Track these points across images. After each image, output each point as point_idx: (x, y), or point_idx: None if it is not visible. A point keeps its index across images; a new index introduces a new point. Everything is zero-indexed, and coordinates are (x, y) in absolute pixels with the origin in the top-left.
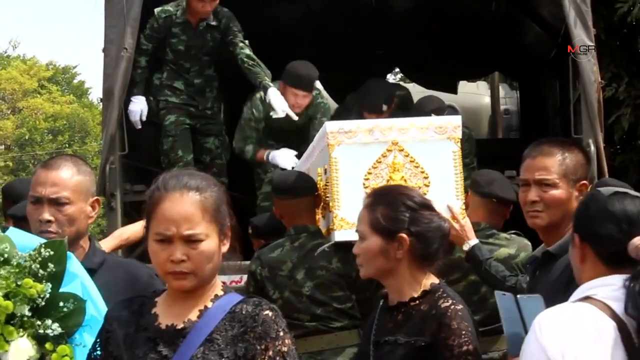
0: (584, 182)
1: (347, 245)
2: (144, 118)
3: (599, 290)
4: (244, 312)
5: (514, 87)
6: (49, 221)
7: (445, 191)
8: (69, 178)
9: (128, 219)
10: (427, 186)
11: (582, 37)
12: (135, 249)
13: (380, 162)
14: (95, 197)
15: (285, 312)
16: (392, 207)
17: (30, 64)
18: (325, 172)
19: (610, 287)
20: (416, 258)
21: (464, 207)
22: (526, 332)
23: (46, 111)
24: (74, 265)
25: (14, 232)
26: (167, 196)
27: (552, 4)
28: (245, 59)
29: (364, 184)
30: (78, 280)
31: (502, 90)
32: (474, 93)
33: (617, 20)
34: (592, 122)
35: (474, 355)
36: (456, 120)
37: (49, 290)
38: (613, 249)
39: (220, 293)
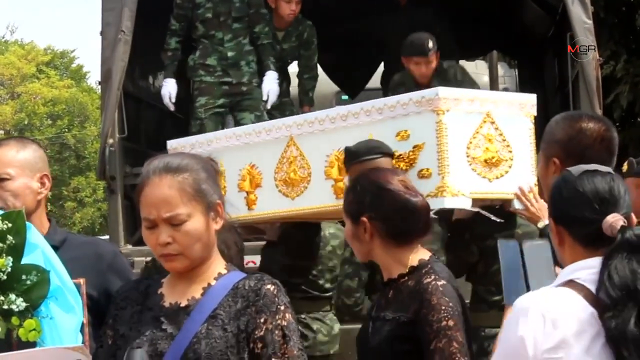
0: None
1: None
2: (172, 100)
3: (581, 273)
4: (246, 288)
5: (512, 65)
6: None
7: (523, 168)
8: (11, 155)
9: (128, 202)
10: (511, 160)
11: (580, 14)
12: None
13: (477, 132)
14: (44, 173)
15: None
16: (356, 192)
17: (28, 49)
18: (409, 137)
19: (591, 270)
20: (387, 238)
21: (536, 185)
22: (526, 282)
23: (45, 96)
24: (34, 236)
25: None
26: (148, 181)
27: None
28: (259, 33)
29: (466, 153)
30: (39, 250)
31: (501, 69)
32: (473, 72)
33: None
34: (590, 99)
35: (454, 329)
36: (533, 98)
37: (10, 264)
38: (588, 231)
39: (224, 272)
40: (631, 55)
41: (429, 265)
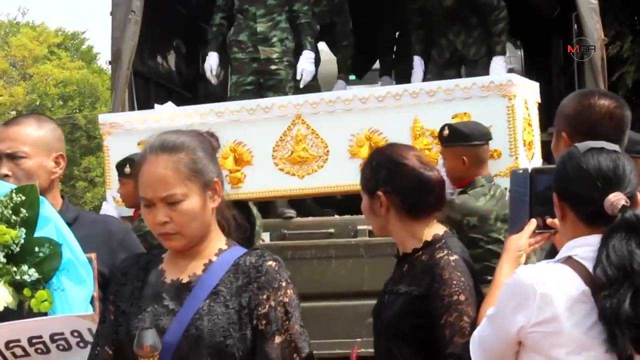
0: None
1: None
2: (214, 73)
3: (579, 250)
4: (247, 264)
5: (518, 46)
6: (7, 175)
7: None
8: (27, 133)
9: None
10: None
11: None
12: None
13: (524, 118)
14: (59, 153)
15: (484, 262)
16: (371, 166)
17: (40, 31)
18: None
19: (589, 248)
20: (402, 212)
21: None
22: (530, 213)
23: (56, 77)
24: (47, 209)
25: None
26: (145, 160)
27: None
28: (297, 12)
29: (522, 137)
30: (52, 224)
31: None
32: None
33: None
34: (595, 79)
35: (464, 304)
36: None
37: (23, 236)
38: (590, 208)
39: (225, 247)
40: (637, 36)
41: (443, 240)
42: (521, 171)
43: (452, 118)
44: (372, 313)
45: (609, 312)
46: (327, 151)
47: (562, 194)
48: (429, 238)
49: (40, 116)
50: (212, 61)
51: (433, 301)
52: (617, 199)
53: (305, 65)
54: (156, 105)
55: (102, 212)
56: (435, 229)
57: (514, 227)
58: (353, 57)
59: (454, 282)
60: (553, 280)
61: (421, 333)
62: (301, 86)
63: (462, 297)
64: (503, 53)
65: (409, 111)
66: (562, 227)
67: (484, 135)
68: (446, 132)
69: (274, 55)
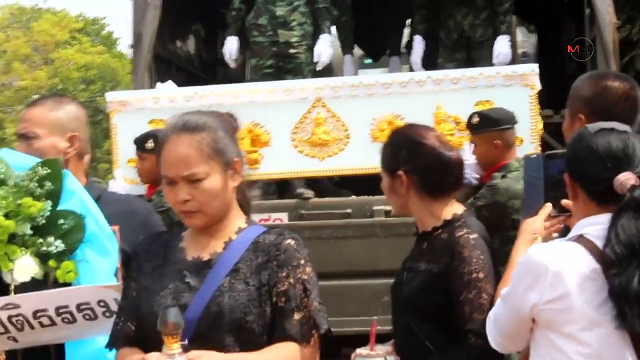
0: None
1: None
2: (233, 57)
3: (590, 229)
4: (267, 242)
5: (531, 30)
6: None
7: None
8: (41, 114)
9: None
10: None
11: None
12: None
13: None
14: (74, 133)
15: None
16: (392, 147)
17: (61, 16)
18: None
19: (600, 226)
20: (422, 191)
21: None
22: (545, 197)
23: (78, 61)
24: (71, 182)
25: (7, 153)
26: (168, 139)
27: None
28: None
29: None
30: (76, 197)
31: (520, 34)
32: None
33: None
34: (607, 61)
35: (484, 282)
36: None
37: (48, 209)
38: (600, 188)
39: (244, 226)
40: None
41: (462, 219)
42: (534, 156)
43: (475, 105)
44: (391, 290)
45: (618, 289)
46: (348, 134)
47: (573, 174)
48: (449, 217)
49: (60, 97)
50: (231, 45)
51: (452, 279)
52: (626, 178)
53: (323, 48)
54: (158, 84)
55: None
56: (454, 208)
57: (529, 211)
58: (368, 41)
59: (474, 260)
60: (565, 259)
61: (440, 310)
62: (318, 69)
63: (481, 275)
64: (508, 32)
65: (432, 97)
66: (574, 206)
67: (512, 119)
68: (476, 119)
69: (293, 39)
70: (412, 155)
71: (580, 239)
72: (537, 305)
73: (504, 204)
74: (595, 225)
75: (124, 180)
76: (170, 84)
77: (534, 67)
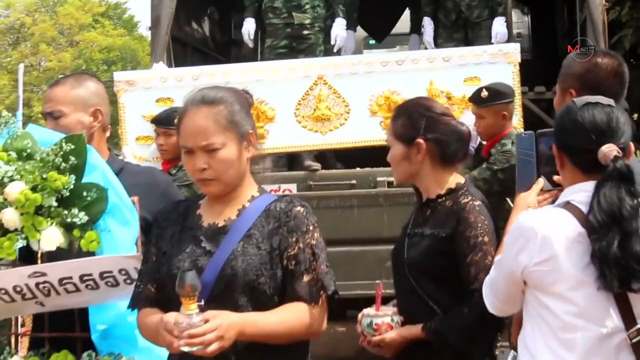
0: None
1: None
2: (251, 37)
3: (576, 195)
4: (277, 209)
5: (525, 12)
6: None
7: None
8: (64, 92)
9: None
10: None
11: None
12: None
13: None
14: (97, 107)
15: None
16: (409, 116)
17: (85, 1)
18: (480, 82)
19: (586, 193)
20: (436, 160)
21: None
22: (537, 172)
23: (100, 44)
24: (94, 157)
25: (34, 129)
26: (187, 112)
27: None
28: None
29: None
30: (99, 170)
31: (514, 15)
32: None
33: None
34: (597, 41)
35: (488, 245)
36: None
37: (73, 182)
38: (586, 158)
39: (257, 194)
40: (635, 1)
41: (465, 188)
42: (526, 134)
43: (464, 81)
44: (392, 255)
45: (599, 253)
46: (348, 110)
47: (560, 145)
48: (452, 186)
49: (80, 75)
50: (249, 26)
51: (459, 242)
52: (609, 150)
53: (339, 31)
54: (154, 65)
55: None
56: (457, 178)
57: (522, 186)
58: (373, 23)
59: (479, 225)
60: (552, 223)
61: (444, 271)
62: (335, 50)
63: (486, 239)
64: (504, 14)
65: (426, 74)
66: (562, 174)
67: (513, 93)
68: (485, 93)
69: (307, 21)
70: (432, 124)
71: (567, 205)
72: (528, 267)
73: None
74: (581, 193)
75: (134, 157)
76: (161, 65)
77: (516, 46)
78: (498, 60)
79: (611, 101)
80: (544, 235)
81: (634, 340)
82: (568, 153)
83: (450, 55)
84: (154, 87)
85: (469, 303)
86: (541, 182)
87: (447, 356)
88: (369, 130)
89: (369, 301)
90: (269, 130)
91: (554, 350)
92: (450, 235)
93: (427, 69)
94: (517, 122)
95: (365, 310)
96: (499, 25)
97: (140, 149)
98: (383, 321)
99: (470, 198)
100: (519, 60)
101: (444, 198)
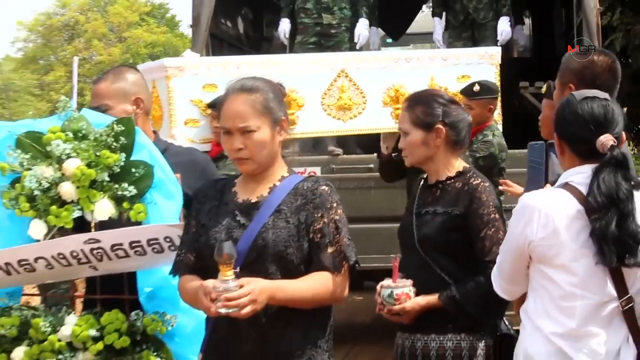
0: None
1: None
2: (287, 35)
3: (575, 177)
4: (305, 188)
5: (527, 15)
6: None
7: None
8: (106, 88)
9: None
10: None
11: None
12: None
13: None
14: (137, 96)
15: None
16: (427, 105)
17: (132, 1)
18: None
19: (583, 175)
20: (450, 144)
21: None
22: (546, 179)
23: (145, 40)
24: (142, 137)
25: (88, 112)
26: (227, 98)
27: None
28: None
29: None
30: (146, 149)
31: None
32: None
33: None
34: (592, 41)
35: (499, 221)
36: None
37: (123, 159)
38: (584, 147)
39: (286, 174)
40: (625, 7)
41: (472, 171)
42: (537, 144)
43: (457, 79)
44: (399, 234)
45: (598, 231)
46: (365, 100)
47: (561, 134)
48: (460, 169)
49: (118, 69)
50: (285, 26)
51: (473, 219)
52: (606, 139)
53: (362, 30)
54: (187, 51)
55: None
56: (462, 162)
57: (531, 189)
58: (390, 23)
59: (490, 203)
60: (554, 202)
61: (455, 246)
62: (357, 47)
63: (497, 215)
64: (508, 14)
65: (427, 71)
66: (562, 160)
67: (499, 90)
68: (477, 87)
69: (334, 21)
70: (448, 111)
71: (566, 186)
72: (533, 242)
73: (497, 155)
74: (579, 175)
75: (185, 139)
76: (189, 52)
77: (498, 49)
78: (484, 62)
79: (607, 95)
80: (547, 213)
81: (624, 308)
82: (568, 142)
83: (447, 56)
84: (200, 74)
85: (484, 274)
86: (549, 187)
87: (462, 322)
88: (381, 119)
89: (383, 273)
90: (299, 116)
91: (554, 318)
92: (463, 213)
93: (429, 67)
94: (497, 115)
95: (384, 282)
96: (503, 24)
97: (189, 131)
98: (403, 291)
99: (480, 180)
100: (500, 62)
101: (453, 180)
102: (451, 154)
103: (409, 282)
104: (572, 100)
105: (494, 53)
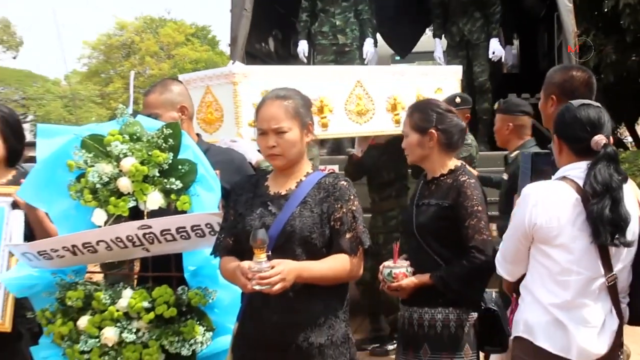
0: None
1: None
2: (305, 54)
3: (571, 171)
4: (327, 182)
5: (515, 37)
6: None
7: None
8: (155, 99)
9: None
10: None
11: (564, 0)
12: None
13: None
14: (182, 104)
15: None
16: (423, 112)
17: (179, 24)
18: (442, 92)
19: (578, 169)
20: (442, 147)
21: None
22: (532, 181)
23: (190, 57)
24: (187, 139)
25: (141, 118)
26: (264, 103)
27: None
28: (361, 10)
29: None
30: (190, 150)
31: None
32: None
33: None
34: (570, 60)
35: (482, 212)
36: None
37: (170, 158)
38: (581, 145)
39: (311, 171)
40: (597, 31)
41: (462, 169)
42: (527, 154)
43: (434, 91)
44: (402, 222)
45: (596, 214)
46: (374, 107)
47: (560, 134)
48: (452, 167)
49: (165, 81)
50: (303, 46)
51: (459, 210)
52: (600, 138)
53: (369, 48)
54: (235, 62)
55: (236, 145)
56: (455, 161)
57: (522, 189)
58: (398, 43)
59: (474, 197)
60: (554, 192)
61: (445, 232)
62: (366, 63)
63: (480, 208)
64: (498, 36)
65: (415, 84)
66: (559, 158)
67: (471, 101)
68: (459, 99)
69: (348, 41)
70: (442, 119)
71: (564, 179)
72: (536, 225)
73: (474, 156)
74: (575, 169)
75: (250, 138)
76: (238, 63)
77: (460, 68)
78: (450, 77)
79: (598, 104)
80: (550, 200)
81: (610, 284)
82: (566, 141)
83: (427, 72)
84: (260, 81)
85: (467, 257)
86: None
87: (449, 298)
88: (386, 124)
89: (388, 254)
90: (330, 120)
91: (552, 290)
92: (451, 205)
93: (414, 80)
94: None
95: (385, 263)
96: (494, 44)
97: (252, 130)
98: (400, 271)
99: (467, 177)
100: (461, 77)
101: (445, 177)
102: (445, 154)
103: (406, 262)
104: (571, 107)
105: (457, 70)
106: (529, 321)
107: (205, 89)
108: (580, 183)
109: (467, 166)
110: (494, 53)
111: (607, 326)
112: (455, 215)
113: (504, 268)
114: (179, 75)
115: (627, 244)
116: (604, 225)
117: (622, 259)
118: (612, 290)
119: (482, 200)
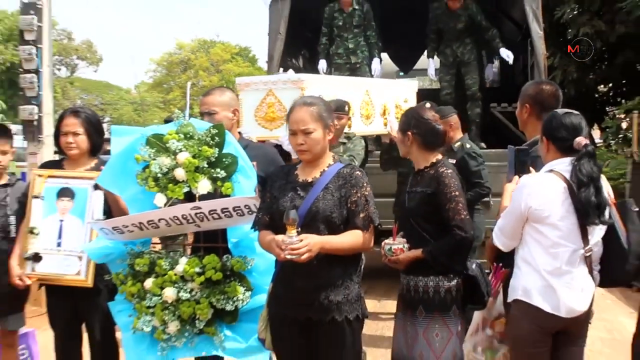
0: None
1: None
2: (324, 71)
3: (557, 165)
4: (345, 172)
5: (496, 58)
6: None
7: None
8: (215, 99)
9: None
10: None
11: (536, 28)
12: None
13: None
14: (234, 107)
15: None
16: (406, 117)
17: (226, 45)
18: (407, 102)
19: (563, 164)
20: (421, 146)
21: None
22: (515, 172)
23: (235, 72)
24: (229, 137)
25: (194, 120)
26: (294, 109)
27: (519, 10)
28: (369, 35)
29: None
30: (232, 145)
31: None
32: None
33: (554, 21)
34: (541, 76)
35: (459, 197)
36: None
37: (216, 152)
38: (565, 145)
39: (332, 163)
40: (563, 54)
41: (442, 162)
42: (511, 149)
43: (404, 100)
44: (398, 205)
45: (584, 199)
46: (375, 111)
47: (548, 136)
48: (434, 161)
49: (222, 87)
50: (322, 65)
51: (440, 196)
52: (581, 139)
53: (376, 66)
54: (290, 71)
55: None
56: (437, 156)
57: (508, 180)
58: (401, 60)
59: (452, 185)
60: (546, 181)
61: (430, 215)
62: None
63: (457, 193)
64: (492, 61)
65: (394, 95)
66: (546, 156)
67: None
68: (428, 105)
69: (359, 61)
70: (417, 123)
71: (552, 172)
72: (531, 208)
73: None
74: (560, 164)
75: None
76: (290, 71)
77: (416, 82)
78: (412, 90)
79: (578, 112)
80: (542, 187)
81: (586, 255)
82: (553, 141)
83: (401, 84)
84: (260, 89)
85: (450, 235)
86: (517, 178)
87: (438, 268)
88: (379, 125)
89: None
90: (353, 120)
91: (545, 260)
92: (434, 192)
93: (394, 91)
94: None
95: (386, 240)
96: (489, 70)
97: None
98: (398, 247)
99: (445, 168)
100: (417, 90)
101: (428, 169)
102: (425, 151)
103: (404, 240)
104: (557, 115)
105: (416, 85)
106: (526, 286)
107: (267, 92)
108: (566, 175)
109: (447, 159)
110: (488, 77)
111: (586, 289)
112: (437, 201)
113: (500, 240)
114: (237, 78)
115: (607, 223)
116: (592, 208)
117: (596, 235)
118: (588, 260)
119: (459, 187)
